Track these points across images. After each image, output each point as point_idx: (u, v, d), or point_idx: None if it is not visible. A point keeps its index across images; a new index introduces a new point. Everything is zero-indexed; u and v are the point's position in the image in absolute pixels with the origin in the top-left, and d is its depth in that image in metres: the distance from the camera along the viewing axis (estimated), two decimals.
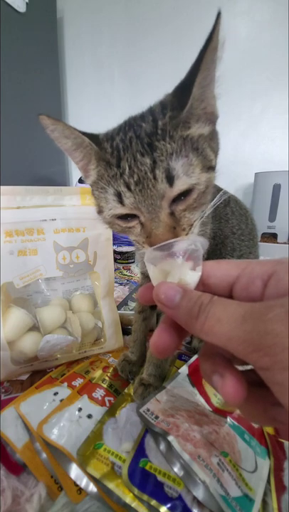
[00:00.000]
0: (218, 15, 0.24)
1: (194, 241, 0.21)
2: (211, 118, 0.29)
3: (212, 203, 0.29)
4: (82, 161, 0.31)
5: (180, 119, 0.26)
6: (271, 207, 1.22)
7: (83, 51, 1.64)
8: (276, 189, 1.20)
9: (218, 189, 0.50)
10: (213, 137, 0.29)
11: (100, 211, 0.30)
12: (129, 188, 0.25)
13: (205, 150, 0.26)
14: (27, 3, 1.24)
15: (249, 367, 0.18)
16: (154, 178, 0.24)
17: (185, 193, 0.25)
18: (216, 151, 0.29)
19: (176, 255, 0.21)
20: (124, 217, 0.27)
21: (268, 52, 1.28)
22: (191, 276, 0.20)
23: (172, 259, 0.21)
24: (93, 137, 0.29)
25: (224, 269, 0.20)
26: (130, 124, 0.27)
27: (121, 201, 0.26)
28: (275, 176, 1.20)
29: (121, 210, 0.26)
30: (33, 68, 1.34)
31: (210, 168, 0.27)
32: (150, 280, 0.23)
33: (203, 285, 0.21)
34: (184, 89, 0.26)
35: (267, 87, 1.31)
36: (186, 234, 0.25)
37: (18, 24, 1.23)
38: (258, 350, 0.14)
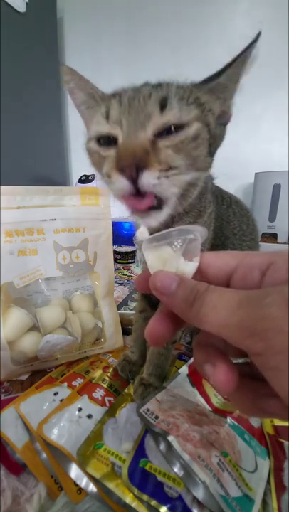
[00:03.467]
0: (258, 35, 0.27)
1: (193, 230, 0.20)
2: (224, 115, 0.30)
3: (189, 198, 0.30)
4: (92, 112, 0.31)
5: (202, 86, 0.27)
6: (271, 207, 1.22)
7: (83, 51, 1.64)
8: (276, 189, 1.20)
9: (217, 188, 0.51)
10: (221, 128, 0.30)
11: (88, 137, 0.30)
12: (120, 103, 0.25)
13: (208, 116, 0.27)
14: (27, 3, 1.24)
15: (241, 360, 0.19)
16: (149, 97, 0.25)
17: (174, 129, 0.25)
18: (217, 135, 0.29)
19: (174, 245, 0.21)
20: (105, 142, 0.27)
21: (268, 52, 1.27)
22: (189, 266, 0.20)
23: (170, 248, 0.21)
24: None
25: (223, 260, 0.20)
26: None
27: (107, 116, 0.26)
28: (275, 176, 1.20)
29: (103, 128, 0.26)
30: (32, 68, 1.34)
31: (207, 124, 0.27)
32: None
33: (201, 275, 0.21)
34: (213, 76, 0.28)
35: (267, 87, 1.31)
36: (160, 170, 0.24)
37: (18, 24, 1.23)
38: (253, 335, 0.14)
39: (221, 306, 0.16)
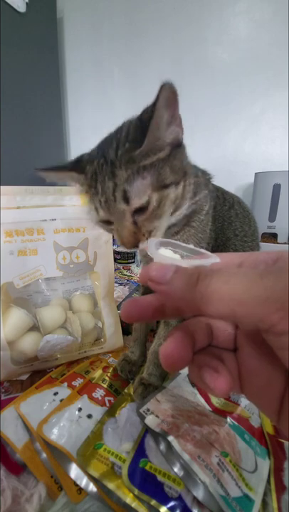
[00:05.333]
0: (161, 88, 0.29)
1: (207, 262, 0.19)
2: (173, 142, 0.34)
3: (179, 211, 0.35)
4: (78, 185, 0.39)
5: (134, 156, 0.31)
6: (271, 207, 1.22)
7: (83, 51, 1.64)
8: (276, 189, 1.20)
9: (215, 188, 0.51)
10: (176, 155, 0.34)
11: (95, 221, 0.38)
12: (100, 205, 0.34)
13: (160, 171, 0.32)
14: (27, 3, 1.24)
15: None
16: (115, 199, 0.32)
17: (143, 208, 0.32)
18: (179, 167, 0.34)
19: (182, 253, 0.20)
20: (105, 222, 0.36)
21: (268, 52, 1.27)
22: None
23: (178, 255, 0.20)
24: (79, 163, 0.37)
25: (226, 258, 0.19)
26: (102, 149, 0.34)
27: (98, 213, 0.35)
28: (275, 176, 1.20)
29: (99, 218, 0.36)
30: (33, 68, 1.34)
31: (164, 186, 0.33)
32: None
33: None
34: (141, 129, 0.32)
35: (267, 87, 1.31)
36: (146, 238, 0.33)
37: (18, 24, 1.23)
38: (283, 308, 0.12)
39: (237, 279, 0.14)
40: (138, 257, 1.11)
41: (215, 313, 0.14)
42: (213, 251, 0.48)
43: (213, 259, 0.18)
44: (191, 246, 0.20)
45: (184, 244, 0.20)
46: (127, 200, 0.32)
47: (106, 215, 0.34)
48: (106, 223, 0.36)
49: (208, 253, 0.19)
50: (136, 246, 0.34)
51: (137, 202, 0.32)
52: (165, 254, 0.20)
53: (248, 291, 0.13)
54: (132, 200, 0.32)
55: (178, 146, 0.35)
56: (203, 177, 0.44)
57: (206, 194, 0.42)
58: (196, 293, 0.15)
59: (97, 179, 0.34)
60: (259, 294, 0.13)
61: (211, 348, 0.20)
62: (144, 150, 0.32)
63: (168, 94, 0.30)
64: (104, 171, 0.33)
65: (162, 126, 0.32)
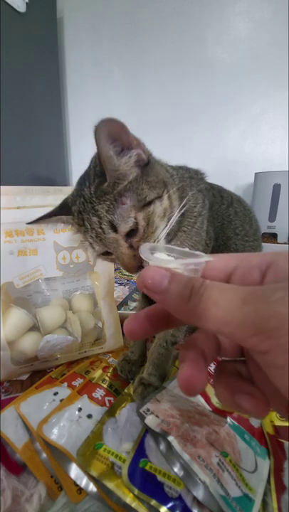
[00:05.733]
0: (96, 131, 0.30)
1: (200, 263, 0.20)
2: (138, 163, 0.35)
3: (171, 220, 0.36)
4: (70, 226, 0.41)
5: (105, 188, 0.33)
6: (271, 207, 1.22)
7: (83, 51, 1.64)
8: (276, 189, 1.20)
9: (211, 187, 0.50)
10: (148, 172, 0.35)
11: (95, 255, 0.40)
12: (94, 239, 0.35)
13: (137, 191, 0.34)
14: (27, 3, 1.24)
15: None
16: (103, 232, 0.34)
17: (134, 230, 0.33)
18: (156, 181, 0.35)
19: (175, 256, 0.20)
20: (104, 254, 0.37)
21: (268, 52, 1.28)
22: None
23: (176, 261, 0.20)
24: (65, 206, 0.39)
25: (222, 261, 0.20)
26: (79, 190, 0.36)
27: (94, 248, 0.37)
28: (275, 176, 1.20)
29: (97, 252, 0.37)
30: (33, 68, 1.34)
31: (147, 204, 0.34)
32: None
33: (202, 277, 0.20)
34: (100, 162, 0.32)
35: (267, 87, 1.31)
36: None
37: (18, 24, 1.23)
38: (260, 333, 0.13)
39: (224, 301, 0.15)
40: None
41: (206, 328, 0.16)
42: (214, 251, 0.48)
43: (206, 258, 0.19)
44: (186, 249, 0.20)
45: (178, 248, 0.21)
46: (114, 228, 0.33)
47: (102, 248, 0.36)
48: (105, 255, 0.37)
49: (203, 254, 0.19)
50: (141, 268, 0.34)
51: (125, 227, 0.33)
52: (160, 258, 0.20)
53: (232, 315, 0.14)
54: (119, 227, 0.33)
55: (147, 164, 0.36)
56: (190, 178, 0.45)
57: (194, 194, 0.42)
58: (189, 308, 0.16)
59: (83, 217, 0.35)
60: (240, 319, 0.14)
61: (228, 364, 0.20)
62: (110, 182, 0.33)
63: (108, 131, 0.31)
64: (87, 208, 0.34)
65: (112, 159, 0.33)
